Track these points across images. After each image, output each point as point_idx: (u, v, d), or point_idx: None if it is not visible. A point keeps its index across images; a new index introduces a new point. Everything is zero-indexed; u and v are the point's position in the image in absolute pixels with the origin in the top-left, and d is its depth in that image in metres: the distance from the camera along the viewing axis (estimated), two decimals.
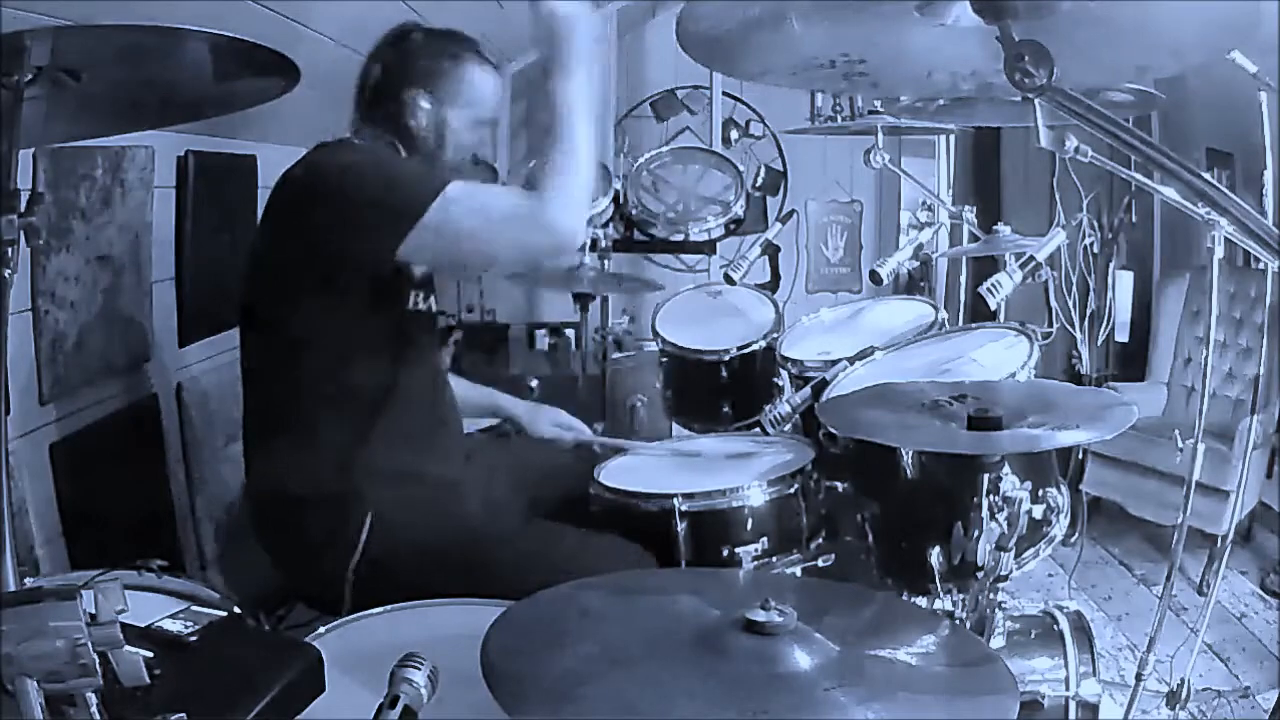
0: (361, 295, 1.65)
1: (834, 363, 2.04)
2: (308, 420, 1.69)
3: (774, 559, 1.80)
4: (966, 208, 2.60)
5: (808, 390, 2.01)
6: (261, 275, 1.72)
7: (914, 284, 4.34)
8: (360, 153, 1.70)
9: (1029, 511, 1.45)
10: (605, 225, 2.99)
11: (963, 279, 3.25)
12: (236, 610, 1.20)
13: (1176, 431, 2.00)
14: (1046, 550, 1.67)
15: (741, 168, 3.10)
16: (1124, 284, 4.32)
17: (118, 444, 2.10)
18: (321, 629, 1.32)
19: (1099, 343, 4.27)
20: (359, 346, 1.64)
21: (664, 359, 2.51)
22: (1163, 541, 3.54)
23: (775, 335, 2.38)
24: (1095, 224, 4.18)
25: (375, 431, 1.70)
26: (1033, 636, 1.76)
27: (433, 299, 1.86)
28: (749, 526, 1.79)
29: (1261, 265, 3.31)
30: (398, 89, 1.72)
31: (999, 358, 1.90)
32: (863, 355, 2.03)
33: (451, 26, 1.80)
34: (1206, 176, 0.87)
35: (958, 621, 1.61)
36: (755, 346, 2.37)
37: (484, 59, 1.77)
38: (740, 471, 1.93)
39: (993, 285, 1.92)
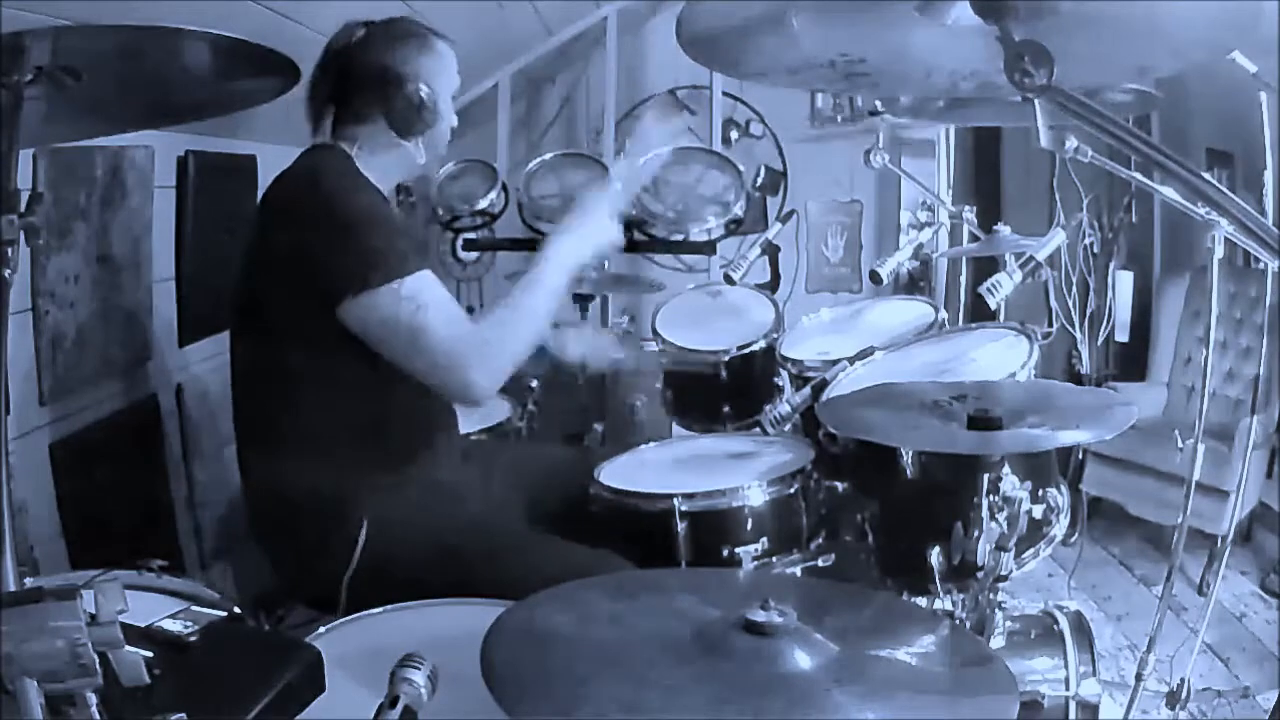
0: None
1: (834, 363, 2.04)
2: (301, 424, 1.68)
3: (774, 559, 1.80)
4: (966, 208, 2.60)
5: (808, 390, 2.01)
6: (253, 278, 1.71)
7: (914, 284, 4.34)
8: (353, 189, 1.67)
9: (1029, 511, 1.45)
10: None
11: (963, 279, 3.25)
12: (236, 610, 1.20)
13: (1176, 431, 2.00)
14: (1046, 550, 1.67)
15: (741, 168, 3.09)
16: (1124, 284, 4.31)
17: (117, 444, 2.10)
18: (321, 629, 1.32)
19: (1099, 343, 4.26)
20: (350, 349, 1.62)
21: (664, 359, 2.51)
22: (1163, 541, 3.54)
23: (775, 335, 2.38)
24: (1095, 224, 4.18)
25: (370, 435, 1.69)
26: (1033, 636, 1.76)
27: None
28: (749, 526, 1.79)
29: (1261, 265, 3.31)
30: (380, 75, 1.70)
31: (999, 358, 1.90)
32: (863, 355, 2.03)
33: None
34: (1206, 176, 0.87)
35: (958, 621, 1.61)
36: (755, 346, 2.36)
37: (439, 34, 1.77)
38: (740, 471, 1.93)
39: (993, 285, 1.92)
